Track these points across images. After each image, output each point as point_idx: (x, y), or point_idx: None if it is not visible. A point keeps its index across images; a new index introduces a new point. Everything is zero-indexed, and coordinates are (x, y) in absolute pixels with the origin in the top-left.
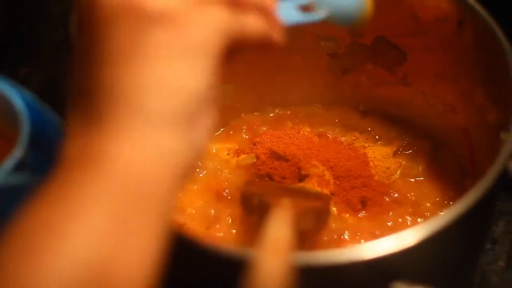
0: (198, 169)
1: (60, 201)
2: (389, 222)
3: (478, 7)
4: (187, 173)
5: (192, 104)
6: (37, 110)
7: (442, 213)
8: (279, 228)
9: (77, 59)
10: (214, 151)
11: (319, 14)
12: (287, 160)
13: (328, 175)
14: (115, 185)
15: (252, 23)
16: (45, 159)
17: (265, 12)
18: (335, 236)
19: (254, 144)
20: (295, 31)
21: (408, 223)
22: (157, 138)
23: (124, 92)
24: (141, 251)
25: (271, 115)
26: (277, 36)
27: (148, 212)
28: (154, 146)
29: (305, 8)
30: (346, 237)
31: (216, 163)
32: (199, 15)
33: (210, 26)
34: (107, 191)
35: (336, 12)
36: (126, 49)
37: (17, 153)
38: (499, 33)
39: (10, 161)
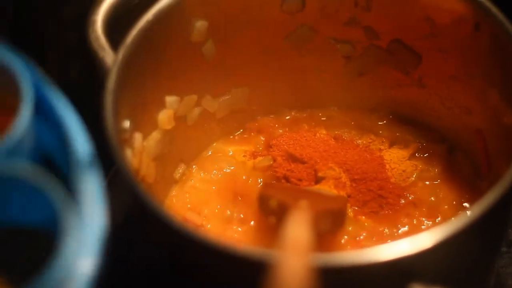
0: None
1: None
2: (405, 224)
3: (494, 9)
4: None
5: None
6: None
7: (459, 215)
8: (298, 230)
9: None
10: (230, 153)
11: None
12: (303, 163)
13: (344, 178)
14: None
15: None
16: (52, 137)
17: None
18: (352, 238)
19: (271, 147)
20: (310, 33)
21: (424, 226)
22: None
23: None
24: None
25: (287, 117)
26: None
27: None
28: None
29: None
30: (362, 239)
31: (232, 165)
32: None
33: None
34: None
35: None
36: None
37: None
38: None
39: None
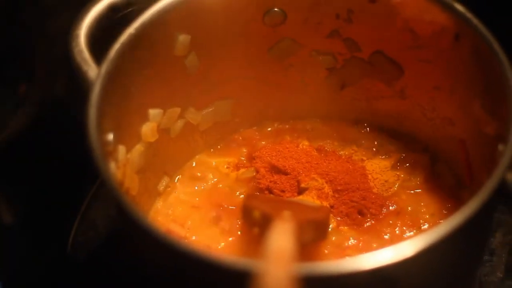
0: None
1: None
2: (388, 234)
3: (474, 20)
4: None
5: None
6: None
7: (440, 224)
8: (281, 240)
9: None
10: (214, 164)
11: None
12: (286, 174)
13: (327, 188)
14: None
15: None
16: None
17: None
18: (335, 248)
19: (254, 158)
20: (293, 46)
21: (407, 235)
22: None
23: None
24: None
25: (269, 129)
26: None
27: None
28: None
29: None
30: (346, 248)
31: (216, 177)
32: None
33: None
34: None
35: None
36: None
37: None
38: (496, 45)
39: None
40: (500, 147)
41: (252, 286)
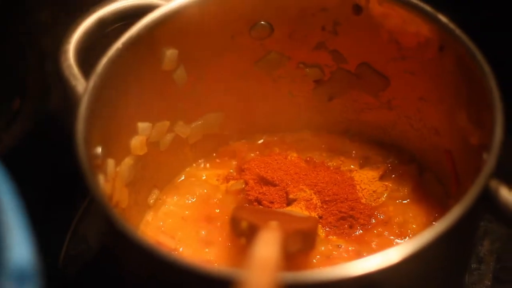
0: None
1: None
2: (376, 243)
3: (458, 31)
4: None
5: None
6: None
7: (425, 231)
8: (266, 248)
9: None
10: (204, 177)
11: None
12: (275, 185)
13: (315, 199)
14: None
15: None
16: None
17: None
18: (323, 258)
19: (243, 170)
20: (280, 59)
21: (395, 244)
22: None
23: None
24: None
25: (259, 141)
26: None
27: None
28: None
29: None
30: (334, 258)
31: (206, 189)
32: None
33: None
34: None
35: None
36: None
37: None
38: (480, 56)
39: None
40: (485, 156)
41: None
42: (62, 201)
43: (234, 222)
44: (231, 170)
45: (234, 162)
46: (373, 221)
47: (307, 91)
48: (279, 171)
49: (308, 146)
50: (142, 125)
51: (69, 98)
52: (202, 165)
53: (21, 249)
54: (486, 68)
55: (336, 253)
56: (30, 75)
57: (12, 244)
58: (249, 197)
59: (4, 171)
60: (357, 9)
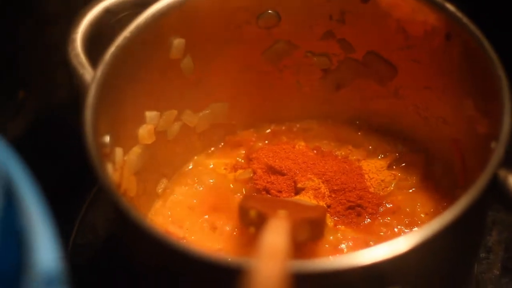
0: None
1: None
2: (384, 233)
3: (465, 19)
4: None
5: None
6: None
7: (434, 220)
8: (275, 237)
9: None
10: (211, 166)
11: None
12: (283, 174)
13: (323, 188)
14: None
15: None
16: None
17: None
18: (332, 247)
19: (251, 160)
20: (288, 48)
21: (403, 234)
22: None
23: None
24: None
25: (267, 131)
26: None
27: None
28: None
29: None
30: (343, 247)
31: (214, 179)
32: None
33: None
34: None
35: None
36: None
37: None
38: (487, 44)
39: None
40: (493, 144)
41: (245, 283)
42: (69, 191)
43: (243, 211)
44: (239, 159)
45: (242, 151)
46: (381, 210)
47: (314, 80)
48: (287, 160)
49: (316, 135)
50: (150, 114)
51: (76, 87)
52: (210, 154)
53: (48, 253)
54: (494, 56)
55: (344, 242)
56: (35, 67)
57: (39, 247)
58: (257, 186)
59: (29, 175)
60: None
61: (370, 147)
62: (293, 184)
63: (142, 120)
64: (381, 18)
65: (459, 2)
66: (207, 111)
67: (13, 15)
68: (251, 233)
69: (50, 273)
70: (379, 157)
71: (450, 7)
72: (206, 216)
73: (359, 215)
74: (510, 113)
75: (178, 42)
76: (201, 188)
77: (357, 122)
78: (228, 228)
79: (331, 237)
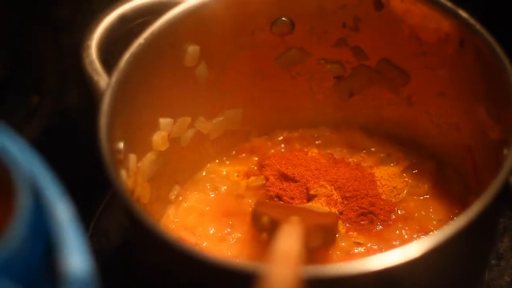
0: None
1: None
2: (397, 239)
3: (478, 26)
4: None
5: None
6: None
7: (446, 226)
8: (288, 242)
9: None
10: (224, 173)
11: None
12: (295, 181)
13: (336, 195)
14: None
15: None
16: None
17: None
18: (344, 254)
19: (263, 166)
20: (301, 55)
21: (415, 240)
22: None
23: None
24: None
25: (279, 138)
26: None
27: None
28: None
29: None
30: (355, 254)
31: (226, 185)
32: None
33: None
34: None
35: None
36: None
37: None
38: (499, 51)
39: None
40: (505, 151)
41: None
42: (82, 196)
43: (255, 217)
44: (252, 166)
45: (255, 158)
46: (393, 217)
47: (327, 87)
48: (299, 167)
49: (329, 142)
50: (164, 121)
51: (91, 93)
52: (223, 161)
53: (79, 259)
54: (506, 63)
55: (356, 248)
56: (49, 72)
57: (69, 253)
58: (270, 193)
59: (59, 184)
60: (378, 5)
61: (382, 154)
62: (305, 191)
63: (156, 127)
64: (395, 25)
65: (472, 8)
66: (221, 118)
67: (27, 21)
68: (263, 240)
69: (81, 279)
70: (391, 164)
71: (463, 14)
72: (219, 223)
73: (371, 221)
74: None
75: (192, 49)
76: (214, 195)
77: (370, 129)
78: (240, 235)
79: (343, 244)
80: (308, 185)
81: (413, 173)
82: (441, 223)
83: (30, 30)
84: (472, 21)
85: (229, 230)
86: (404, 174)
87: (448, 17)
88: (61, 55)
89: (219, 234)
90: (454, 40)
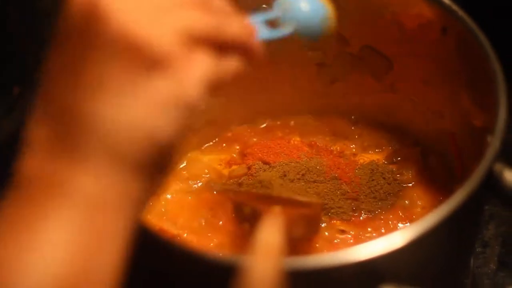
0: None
1: (24, 220)
2: (381, 228)
3: (460, 12)
4: (143, 207)
5: (162, 155)
6: None
7: (429, 215)
8: (269, 233)
9: (58, 72)
10: (206, 162)
11: (285, 30)
12: None
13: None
14: (76, 214)
15: (234, 65)
16: None
17: (246, 48)
18: (328, 243)
19: (245, 155)
20: (282, 43)
21: (399, 228)
22: (121, 180)
23: (102, 131)
24: (111, 260)
25: (261, 126)
26: (256, 62)
27: (106, 238)
28: (116, 185)
29: (272, 24)
30: (339, 243)
31: (208, 175)
32: (190, 65)
33: (199, 78)
34: (69, 216)
35: (302, 27)
36: (118, 87)
37: None
38: (482, 38)
39: None
40: (489, 138)
41: (240, 281)
42: None
43: (237, 208)
44: (234, 155)
45: (236, 147)
46: (378, 204)
47: (309, 74)
48: (282, 155)
49: (311, 130)
50: None
51: None
52: (204, 150)
53: None
54: (489, 50)
55: (339, 238)
56: (30, 63)
57: None
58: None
59: None
60: None
61: (366, 141)
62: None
63: None
64: (376, 11)
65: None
66: (202, 107)
67: (8, 11)
68: (245, 230)
69: None
70: (375, 152)
71: (445, 0)
72: (201, 213)
73: (354, 210)
74: (505, 107)
75: None
76: (196, 185)
77: (353, 117)
78: (222, 225)
79: (326, 233)
80: None
81: (397, 160)
82: (426, 210)
83: (10, 19)
84: (454, 7)
85: (211, 220)
86: (388, 162)
87: (430, 3)
88: (42, 45)
89: (201, 225)
90: (436, 27)
